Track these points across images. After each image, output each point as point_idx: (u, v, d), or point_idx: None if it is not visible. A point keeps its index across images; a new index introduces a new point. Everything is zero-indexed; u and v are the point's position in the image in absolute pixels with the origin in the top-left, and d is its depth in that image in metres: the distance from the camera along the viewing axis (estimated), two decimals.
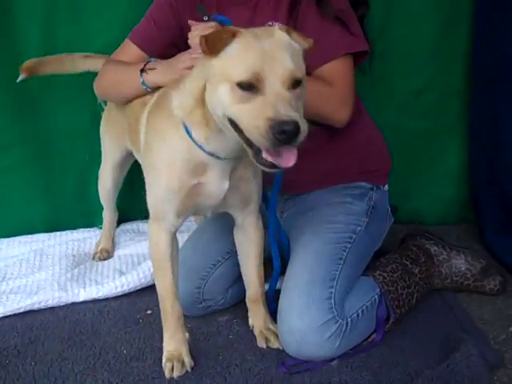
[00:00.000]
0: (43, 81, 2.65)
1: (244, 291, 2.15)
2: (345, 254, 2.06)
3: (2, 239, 2.79)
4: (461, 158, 2.85)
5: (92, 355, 2.04)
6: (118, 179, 2.59)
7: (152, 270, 2.11)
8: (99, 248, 2.69)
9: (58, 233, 2.84)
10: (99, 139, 2.55)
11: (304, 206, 2.23)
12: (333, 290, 1.97)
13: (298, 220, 2.21)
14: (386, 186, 2.30)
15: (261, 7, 2.11)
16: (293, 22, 2.05)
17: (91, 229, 2.88)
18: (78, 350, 2.08)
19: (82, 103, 2.68)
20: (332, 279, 1.99)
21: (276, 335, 2.04)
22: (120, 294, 2.40)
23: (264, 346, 2.05)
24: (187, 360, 1.94)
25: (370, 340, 2.03)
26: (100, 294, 2.38)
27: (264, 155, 1.56)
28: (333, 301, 1.95)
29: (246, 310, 2.16)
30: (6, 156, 2.75)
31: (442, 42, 2.72)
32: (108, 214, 2.74)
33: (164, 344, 1.98)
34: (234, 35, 1.60)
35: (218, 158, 1.78)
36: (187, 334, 2.01)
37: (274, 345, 2.03)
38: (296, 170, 1.99)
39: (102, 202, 2.68)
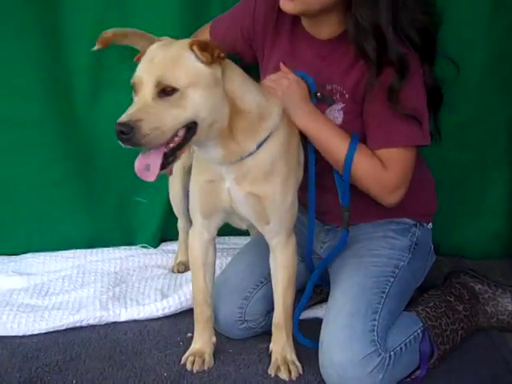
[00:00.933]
0: (88, 96, 2.69)
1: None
2: (387, 288, 2.04)
3: (45, 253, 2.81)
4: (506, 192, 2.81)
5: (133, 376, 2.05)
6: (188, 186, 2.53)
7: None
8: (177, 261, 2.70)
9: (100, 249, 2.85)
10: None
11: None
12: (375, 323, 1.95)
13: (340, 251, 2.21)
14: (430, 225, 2.29)
15: (330, 62, 2.08)
16: (359, 93, 2.03)
17: (133, 247, 2.89)
18: (119, 370, 2.08)
19: None
20: (374, 312, 1.97)
21: (287, 366, 2.04)
22: (161, 316, 2.40)
23: (272, 375, 2.05)
24: (208, 359, 2.09)
25: (413, 376, 2.01)
26: (141, 316, 2.38)
27: None
28: (375, 334, 1.93)
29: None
30: (50, 171, 2.77)
31: (490, 73, 2.69)
32: (183, 225, 2.69)
33: (192, 341, 2.14)
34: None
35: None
36: (214, 338, 2.15)
37: (282, 375, 2.03)
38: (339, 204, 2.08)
39: (176, 211, 2.65)
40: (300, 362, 2.08)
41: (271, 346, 2.13)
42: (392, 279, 2.06)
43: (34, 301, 2.46)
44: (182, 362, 2.10)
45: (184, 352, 2.15)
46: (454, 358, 2.13)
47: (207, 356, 2.10)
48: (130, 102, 2.48)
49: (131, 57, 2.60)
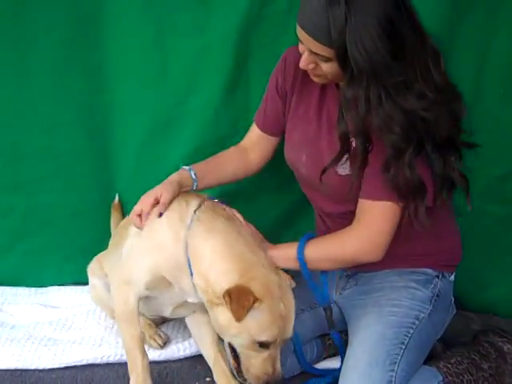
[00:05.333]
0: (122, 133, 2.71)
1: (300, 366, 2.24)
2: (407, 339, 2.02)
3: (72, 286, 2.82)
4: None
5: None
6: None
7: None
8: None
9: None
10: None
11: (367, 286, 2.21)
12: (393, 374, 1.93)
13: (360, 299, 2.19)
14: (452, 277, 2.24)
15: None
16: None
17: None
18: None
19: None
20: (393, 363, 1.95)
21: None
22: (181, 357, 2.38)
23: None
24: None
25: None
26: (162, 358, 2.37)
27: None
28: None
29: None
30: (79, 201, 2.79)
31: None
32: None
33: None
34: (254, 301, 1.85)
35: None
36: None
37: None
38: None
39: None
40: None
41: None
42: (412, 331, 2.04)
43: (57, 334, 2.47)
44: None
45: None
46: None
47: None
48: (159, 136, 2.62)
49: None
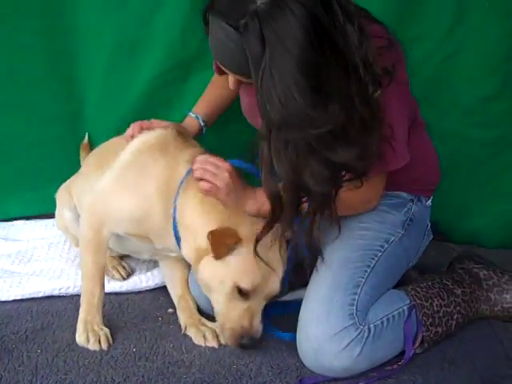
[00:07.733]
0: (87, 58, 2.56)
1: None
2: (373, 262, 1.92)
3: (35, 220, 2.69)
4: None
5: (100, 350, 1.92)
6: None
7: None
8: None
9: None
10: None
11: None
12: (356, 297, 1.85)
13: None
14: (429, 202, 2.11)
15: None
16: None
17: None
18: None
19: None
20: (356, 286, 1.86)
21: (214, 332, 1.99)
22: (144, 289, 2.28)
23: (202, 344, 1.97)
24: (109, 337, 1.97)
25: (399, 363, 1.84)
26: (123, 289, 2.27)
27: None
28: (354, 308, 1.83)
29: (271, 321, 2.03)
30: (44, 130, 2.64)
31: None
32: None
33: (82, 323, 1.97)
34: (237, 242, 1.80)
35: None
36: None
37: (211, 343, 1.97)
38: None
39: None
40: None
41: (181, 319, 2.08)
42: (380, 254, 1.94)
43: (15, 267, 2.36)
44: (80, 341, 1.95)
45: (160, 328, 2.06)
46: (449, 347, 1.98)
47: (108, 334, 1.98)
48: (124, 59, 2.48)
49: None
